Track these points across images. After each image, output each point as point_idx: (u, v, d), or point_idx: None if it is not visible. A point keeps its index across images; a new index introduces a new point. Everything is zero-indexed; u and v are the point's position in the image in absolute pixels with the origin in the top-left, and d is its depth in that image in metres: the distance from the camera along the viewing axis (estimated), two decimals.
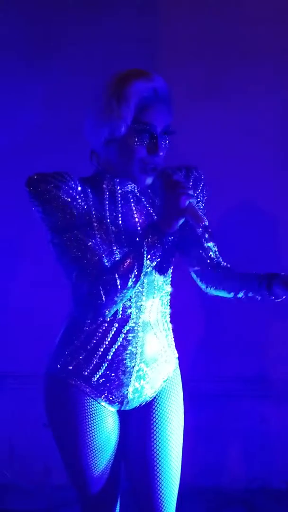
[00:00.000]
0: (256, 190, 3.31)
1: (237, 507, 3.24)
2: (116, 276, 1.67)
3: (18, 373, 3.34)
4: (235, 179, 3.32)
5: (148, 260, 1.69)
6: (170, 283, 1.95)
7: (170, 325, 1.99)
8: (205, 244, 1.93)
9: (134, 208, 1.88)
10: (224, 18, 3.28)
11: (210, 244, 1.94)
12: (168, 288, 1.94)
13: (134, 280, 1.69)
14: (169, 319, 1.98)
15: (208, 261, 1.94)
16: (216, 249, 1.96)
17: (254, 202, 3.32)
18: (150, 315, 1.89)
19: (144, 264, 1.68)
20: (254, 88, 3.29)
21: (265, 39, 3.29)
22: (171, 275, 1.94)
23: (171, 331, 2.00)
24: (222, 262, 1.95)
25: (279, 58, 3.30)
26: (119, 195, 1.86)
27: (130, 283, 1.68)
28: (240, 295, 1.89)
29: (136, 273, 1.68)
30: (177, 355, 2.03)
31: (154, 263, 1.71)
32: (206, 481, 3.37)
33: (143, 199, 1.90)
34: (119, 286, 1.67)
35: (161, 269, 1.90)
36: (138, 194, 1.89)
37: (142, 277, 1.69)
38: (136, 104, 1.74)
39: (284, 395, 3.39)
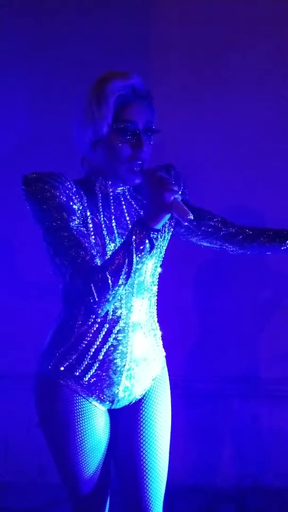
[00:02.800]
0: (256, 189, 3.33)
1: (229, 505, 3.26)
2: (107, 274, 1.67)
3: (14, 373, 3.34)
4: (233, 181, 3.34)
5: (137, 257, 1.69)
6: (157, 284, 1.98)
7: (157, 325, 2.03)
8: (206, 219, 2.00)
9: (126, 210, 1.91)
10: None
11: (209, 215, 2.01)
12: (156, 289, 1.98)
13: (125, 277, 1.69)
14: (156, 319, 2.02)
15: (219, 225, 2.01)
16: (218, 217, 2.02)
17: (253, 203, 3.33)
18: (139, 316, 1.92)
19: (134, 260, 1.68)
20: (252, 82, 3.32)
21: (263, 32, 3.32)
22: (158, 276, 1.98)
23: (159, 330, 2.03)
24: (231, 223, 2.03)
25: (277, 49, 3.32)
26: (111, 197, 1.89)
27: (121, 280, 1.69)
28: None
29: (126, 270, 1.68)
30: (164, 354, 2.06)
31: (144, 259, 1.72)
32: (198, 479, 3.39)
33: (133, 202, 1.94)
34: (110, 284, 1.67)
35: (150, 269, 1.93)
36: (128, 197, 1.93)
37: (132, 274, 1.70)
38: (115, 103, 1.77)
39: (276, 394, 3.40)
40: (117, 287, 1.69)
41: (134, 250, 1.68)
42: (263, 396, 3.40)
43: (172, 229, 2.04)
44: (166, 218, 1.72)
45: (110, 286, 1.67)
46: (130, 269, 1.68)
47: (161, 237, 1.96)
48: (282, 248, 1.97)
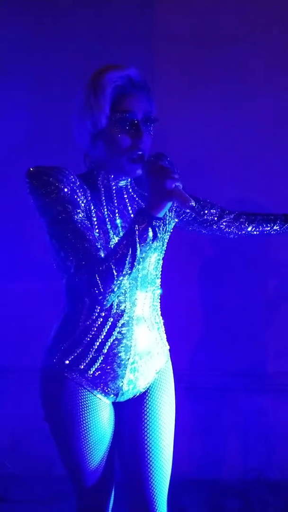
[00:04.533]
0: (255, 187, 3.33)
1: (234, 498, 3.27)
2: (111, 264, 1.68)
3: (20, 366, 3.35)
4: (234, 174, 3.34)
5: (140, 246, 1.69)
6: (160, 277, 1.99)
7: (161, 318, 2.03)
8: (206, 209, 2.10)
9: (128, 204, 1.92)
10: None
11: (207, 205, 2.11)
12: (159, 282, 1.99)
13: (129, 266, 1.69)
14: (160, 312, 2.03)
15: (220, 212, 2.13)
16: (217, 206, 2.14)
17: (253, 197, 3.33)
18: (143, 309, 1.93)
19: (138, 249, 1.69)
20: (255, 76, 3.32)
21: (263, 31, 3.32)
22: (161, 269, 1.99)
23: (162, 324, 2.04)
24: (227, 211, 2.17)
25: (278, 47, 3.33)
26: (114, 191, 1.90)
27: (125, 270, 1.69)
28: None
29: (130, 260, 1.69)
30: (168, 347, 2.07)
31: (147, 248, 1.72)
32: (204, 473, 3.40)
33: (135, 196, 1.94)
34: (115, 274, 1.68)
35: (153, 262, 1.94)
36: (131, 190, 1.94)
37: (136, 263, 1.70)
38: (112, 93, 1.78)
39: (282, 388, 3.41)
40: (121, 277, 1.69)
41: (137, 239, 1.69)
42: (268, 390, 3.41)
43: (176, 220, 2.06)
44: (168, 206, 1.72)
45: (115, 276, 1.68)
46: (134, 259, 1.69)
47: (163, 230, 1.97)
48: (275, 228, 2.17)
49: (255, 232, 2.18)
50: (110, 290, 1.69)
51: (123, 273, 1.69)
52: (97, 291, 1.68)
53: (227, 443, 3.44)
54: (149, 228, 1.69)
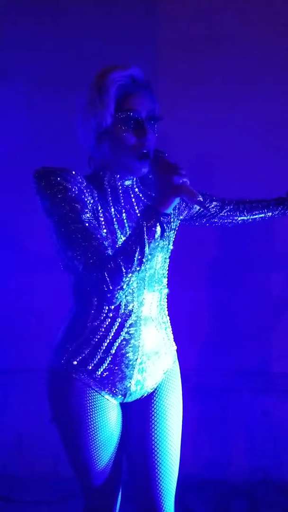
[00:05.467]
0: (255, 187, 3.32)
1: (240, 498, 3.26)
2: (120, 261, 1.68)
3: (27, 367, 3.36)
4: (234, 174, 3.34)
5: (149, 242, 1.69)
6: (167, 276, 1.99)
7: (168, 318, 2.04)
8: (207, 203, 2.16)
9: (135, 203, 1.92)
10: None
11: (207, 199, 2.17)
12: (166, 281, 1.99)
13: (137, 263, 1.69)
14: (167, 312, 2.03)
15: (221, 204, 2.20)
16: (218, 197, 2.21)
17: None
18: (150, 309, 1.93)
19: (146, 246, 1.69)
20: (255, 77, 3.33)
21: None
22: (168, 268, 1.99)
23: (169, 324, 2.05)
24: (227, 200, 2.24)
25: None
26: (120, 191, 1.90)
27: (134, 267, 1.69)
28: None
29: (139, 257, 1.68)
30: (175, 347, 2.08)
31: (156, 244, 1.72)
32: (209, 473, 3.40)
33: (141, 195, 1.95)
34: (124, 271, 1.67)
35: (160, 261, 1.94)
36: (137, 190, 1.94)
37: (145, 260, 1.70)
38: (116, 93, 1.80)
39: (286, 388, 3.40)
40: (130, 274, 1.69)
41: (145, 235, 1.69)
42: (273, 390, 3.40)
43: (181, 217, 2.08)
44: (176, 202, 1.73)
45: (124, 273, 1.67)
46: (142, 255, 1.69)
47: (168, 228, 1.97)
48: (269, 214, 2.28)
49: (251, 220, 2.27)
50: (119, 287, 1.69)
51: (132, 270, 1.69)
52: (106, 289, 1.68)
53: (233, 444, 3.44)
54: (157, 224, 1.70)
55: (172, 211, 2.00)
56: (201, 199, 1.69)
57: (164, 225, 1.70)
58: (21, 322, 3.42)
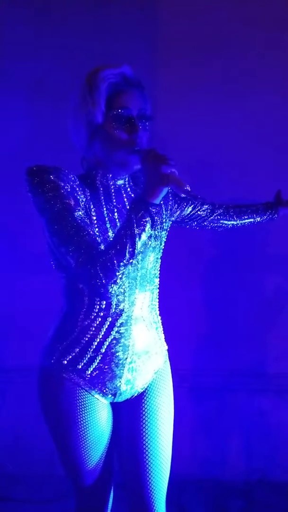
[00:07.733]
0: (255, 187, 3.32)
1: (237, 499, 3.26)
2: (112, 255, 1.67)
3: (23, 366, 3.30)
4: (234, 174, 3.34)
5: (139, 234, 1.69)
6: (159, 276, 1.99)
7: (159, 318, 2.03)
8: (198, 205, 2.19)
9: (127, 202, 1.92)
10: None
11: (199, 201, 2.20)
12: (157, 281, 1.99)
13: (129, 256, 1.68)
14: (158, 312, 2.02)
15: (212, 208, 2.24)
16: (209, 202, 2.25)
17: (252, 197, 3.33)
18: (142, 309, 1.93)
19: (136, 238, 1.68)
20: (253, 76, 3.32)
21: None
22: (159, 269, 1.99)
23: (161, 324, 2.04)
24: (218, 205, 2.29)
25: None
26: (112, 191, 1.91)
27: (126, 260, 1.68)
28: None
29: (130, 249, 1.68)
30: (166, 347, 2.07)
31: (147, 234, 1.71)
32: (206, 473, 3.39)
33: (133, 195, 1.95)
34: (116, 264, 1.67)
35: (151, 261, 1.94)
36: (129, 189, 1.94)
37: (137, 252, 1.69)
38: (107, 91, 1.80)
39: (284, 389, 3.40)
40: (122, 267, 1.68)
41: (135, 227, 1.68)
42: (270, 390, 3.40)
43: (173, 219, 2.08)
44: (164, 192, 1.72)
45: (116, 266, 1.67)
46: (134, 247, 1.68)
47: (159, 227, 1.97)
48: (258, 219, 2.34)
49: (240, 224, 2.33)
50: (112, 281, 1.69)
51: (124, 262, 1.68)
52: (99, 283, 1.67)
53: (230, 444, 3.43)
54: (147, 215, 1.69)
55: (163, 212, 2.00)
56: (188, 188, 1.68)
57: (154, 216, 1.70)
58: (18, 321, 3.42)
